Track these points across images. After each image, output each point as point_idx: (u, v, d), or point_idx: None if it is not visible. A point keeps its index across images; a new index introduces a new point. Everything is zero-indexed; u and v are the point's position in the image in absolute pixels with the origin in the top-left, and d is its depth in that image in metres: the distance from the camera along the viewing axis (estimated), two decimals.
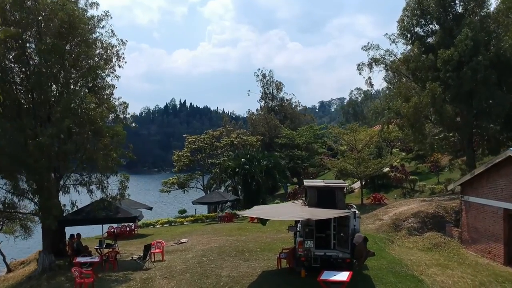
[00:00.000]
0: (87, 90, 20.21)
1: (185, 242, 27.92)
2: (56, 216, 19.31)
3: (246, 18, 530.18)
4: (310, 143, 66.07)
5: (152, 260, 21.84)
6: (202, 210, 52.11)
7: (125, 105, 25.11)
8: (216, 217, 42.94)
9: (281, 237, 27.42)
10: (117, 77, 24.97)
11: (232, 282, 17.43)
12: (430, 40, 33.56)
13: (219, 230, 32.13)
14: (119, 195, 21.36)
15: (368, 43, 35.34)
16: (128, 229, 36.54)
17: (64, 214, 22.09)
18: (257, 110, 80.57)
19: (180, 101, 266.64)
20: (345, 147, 54.33)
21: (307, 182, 19.07)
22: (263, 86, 79.44)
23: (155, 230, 39.32)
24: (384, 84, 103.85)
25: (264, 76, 79.23)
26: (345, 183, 20.33)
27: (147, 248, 20.74)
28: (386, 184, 47.97)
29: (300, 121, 79.33)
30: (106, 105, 22.18)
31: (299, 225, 19.32)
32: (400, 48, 36.53)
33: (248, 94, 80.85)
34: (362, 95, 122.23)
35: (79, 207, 21.50)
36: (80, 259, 19.99)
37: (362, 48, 35.35)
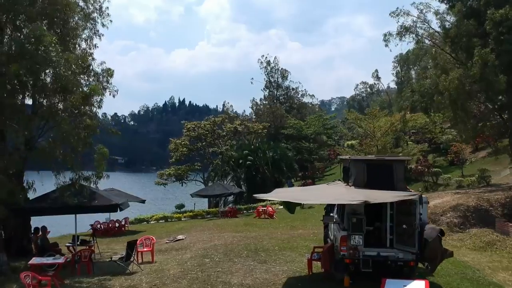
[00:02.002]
0: (46, 29, 14.88)
1: (182, 239, 23.13)
2: (2, 200, 14.07)
3: (242, 17, 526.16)
4: (319, 134, 61.04)
5: (139, 261, 16.93)
6: (202, 205, 47.19)
7: (109, 72, 20.11)
8: (218, 212, 38.18)
9: (300, 234, 22.71)
10: (99, 36, 20.22)
11: None
12: (469, 3, 28.64)
13: (223, 226, 27.41)
14: (95, 177, 16.20)
15: (397, 8, 30.23)
16: (117, 224, 31.81)
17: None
18: (261, 99, 75.13)
19: (179, 99, 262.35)
20: (353, 142, 50.09)
21: (347, 156, 13.96)
22: (267, 74, 73.83)
23: (149, 226, 35.00)
24: (392, 78, 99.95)
25: (268, 63, 73.72)
26: (406, 156, 15.25)
27: (131, 245, 15.69)
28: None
29: (307, 111, 74.18)
30: (81, 62, 17.07)
31: (334, 215, 14.34)
32: (431, 18, 31.47)
33: (251, 82, 75.75)
34: (368, 89, 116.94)
35: (40, 191, 16.32)
36: (37, 261, 14.85)
37: (390, 14, 30.24)
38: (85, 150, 16.22)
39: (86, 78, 18.14)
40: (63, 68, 14.15)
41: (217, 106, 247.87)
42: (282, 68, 74.57)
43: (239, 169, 49.74)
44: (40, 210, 16.65)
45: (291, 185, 55.76)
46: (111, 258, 16.39)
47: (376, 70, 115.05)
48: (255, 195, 13.83)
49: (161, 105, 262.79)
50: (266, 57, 74.17)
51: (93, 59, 19.56)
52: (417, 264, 12.14)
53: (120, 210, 16.48)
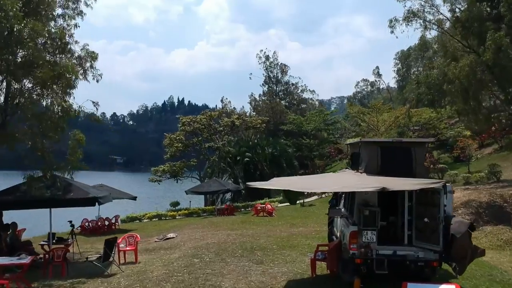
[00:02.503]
0: None
1: (173, 237, 21.36)
2: None
3: (241, 17, 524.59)
4: (320, 130, 59.02)
5: (122, 261, 15.17)
6: (198, 203, 45.32)
7: (93, 56, 18.46)
8: (215, 210, 36.37)
9: (300, 231, 20.93)
10: (82, 15, 18.42)
11: None
12: None
13: (218, 224, 25.59)
14: (70, 166, 14.30)
15: None
16: (106, 223, 30.02)
17: None
18: (259, 95, 72.81)
19: (178, 99, 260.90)
20: (354, 139, 48.16)
21: (357, 139, 12.06)
22: (266, 69, 71.45)
23: (141, 224, 33.25)
24: (393, 75, 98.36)
25: (267, 58, 71.35)
26: (428, 138, 13.35)
27: (110, 244, 13.83)
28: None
29: (307, 107, 72.07)
30: (58, 40, 15.27)
31: (341, 208, 12.51)
32: (439, 3, 29.60)
33: (250, 78, 73.39)
34: (369, 86, 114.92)
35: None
36: None
37: None
38: (59, 135, 14.30)
39: (65, 59, 16.38)
40: (26, 37, 12.26)
41: (216, 105, 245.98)
42: (281, 63, 72.42)
43: (237, 166, 47.83)
44: (7, 204, 14.72)
45: None
46: (87, 258, 14.50)
47: (377, 67, 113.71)
48: (248, 183, 11.96)
49: (160, 105, 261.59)
50: (265, 52, 72.10)
51: (76, 42, 17.95)
52: (441, 265, 10.28)
53: (99, 204, 14.63)
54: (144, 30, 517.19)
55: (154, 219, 35.97)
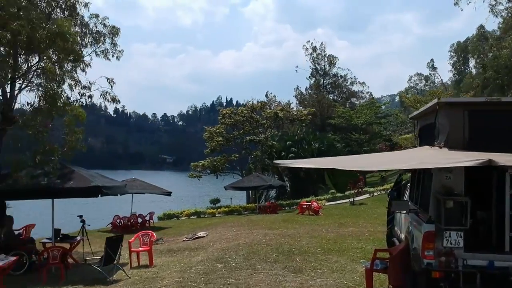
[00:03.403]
0: None
1: (203, 236, 18.72)
2: None
3: (288, 17, 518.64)
4: (370, 124, 54.96)
5: (135, 264, 12.69)
6: (241, 200, 42.73)
7: (114, 31, 16.67)
8: (256, 207, 33.60)
9: (351, 232, 17.72)
10: None
11: None
12: None
13: (256, 222, 22.76)
14: (66, 147, 11.84)
15: None
16: (140, 220, 27.98)
17: None
18: (306, 88, 69.15)
19: (226, 98, 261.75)
20: (407, 135, 44.11)
21: (433, 102, 8.72)
22: (313, 60, 67.75)
23: (177, 222, 31.16)
24: (449, 68, 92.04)
25: (314, 49, 67.59)
26: None
27: (114, 244, 11.25)
28: None
29: (358, 100, 67.94)
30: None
31: (407, 201, 9.31)
32: None
33: (296, 70, 69.75)
34: (423, 80, 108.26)
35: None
36: None
37: None
38: (59, 110, 11.89)
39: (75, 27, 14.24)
40: None
41: None
42: (329, 54, 68.42)
43: None
44: None
45: None
46: (85, 260, 11.99)
47: (432, 60, 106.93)
48: (275, 161, 9.01)
49: (209, 105, 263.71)
50: (312, 43, 68.28)
51: (96, 16, 16.15)
52: None
53: (102, 195, 12.02)
54: (191, 33, 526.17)
55: (192, 217, 33.82)
